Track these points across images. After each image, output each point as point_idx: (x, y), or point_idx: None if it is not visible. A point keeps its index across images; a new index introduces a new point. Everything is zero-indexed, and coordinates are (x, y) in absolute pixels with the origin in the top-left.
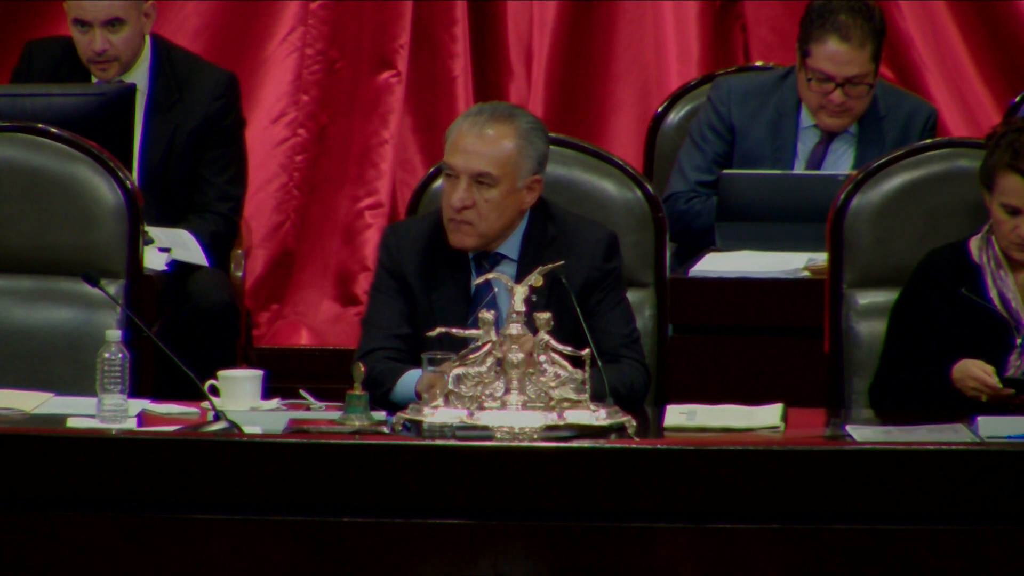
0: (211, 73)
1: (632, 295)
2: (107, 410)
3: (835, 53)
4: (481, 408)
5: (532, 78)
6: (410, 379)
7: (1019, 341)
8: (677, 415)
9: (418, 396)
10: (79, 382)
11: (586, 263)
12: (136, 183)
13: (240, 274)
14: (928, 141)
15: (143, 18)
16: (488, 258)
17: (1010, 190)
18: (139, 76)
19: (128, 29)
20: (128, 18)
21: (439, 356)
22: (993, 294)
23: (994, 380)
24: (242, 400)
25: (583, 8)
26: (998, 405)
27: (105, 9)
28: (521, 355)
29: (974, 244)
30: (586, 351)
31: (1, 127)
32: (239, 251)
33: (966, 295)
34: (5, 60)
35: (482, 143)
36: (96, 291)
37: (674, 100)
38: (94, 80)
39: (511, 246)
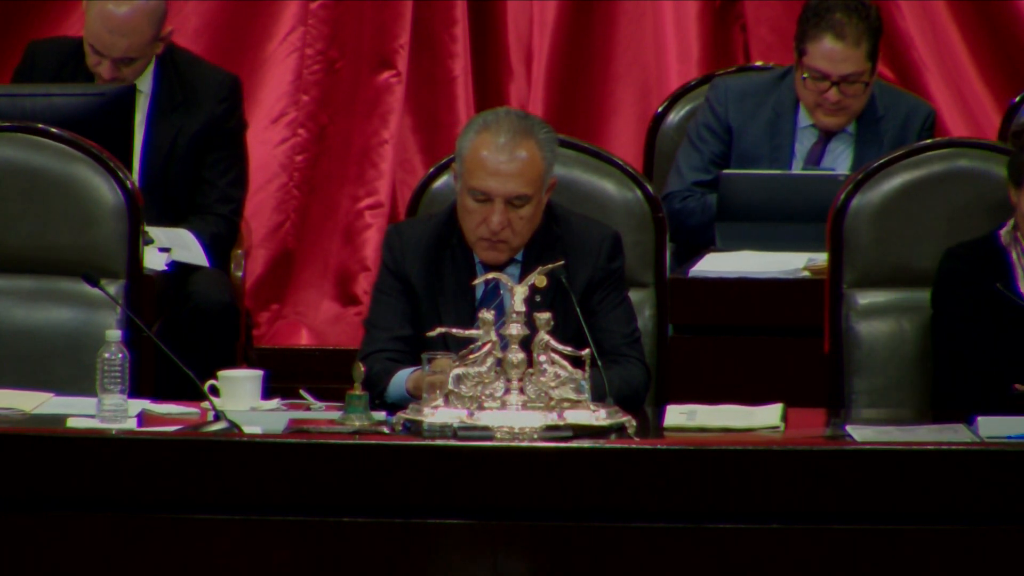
0: (215, 76)
1: (632, 295)
2: (107, 410)
3: (830, 51)
4: (481, 408)
5: (532, 78)
6: (400, 378)
7: None
8: (677, 415)
9: (408, 394)
10: (79, 382)
11: (590, 262)
12: (137, 184)
13: (240, 274)
14: (928, 141)
15: (158, 44)
16: None
17: None
18: (145, 78)
19: (141, 62)
20: (142, 55)
21: (439, 356)
22: (1022, 283)
23: None
24: (242, 400)
25: (583, 8)
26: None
27: (122, 51)
28: (521, 355)
29: (1003, 238)
30: (586, 351)
31: (1, 127)
32: (239, 251)
33: (1001, 291)
34: (7, 60)
35: (515, 165)
36: (96, 291)
37: (674, 100)
38: (96, 82)
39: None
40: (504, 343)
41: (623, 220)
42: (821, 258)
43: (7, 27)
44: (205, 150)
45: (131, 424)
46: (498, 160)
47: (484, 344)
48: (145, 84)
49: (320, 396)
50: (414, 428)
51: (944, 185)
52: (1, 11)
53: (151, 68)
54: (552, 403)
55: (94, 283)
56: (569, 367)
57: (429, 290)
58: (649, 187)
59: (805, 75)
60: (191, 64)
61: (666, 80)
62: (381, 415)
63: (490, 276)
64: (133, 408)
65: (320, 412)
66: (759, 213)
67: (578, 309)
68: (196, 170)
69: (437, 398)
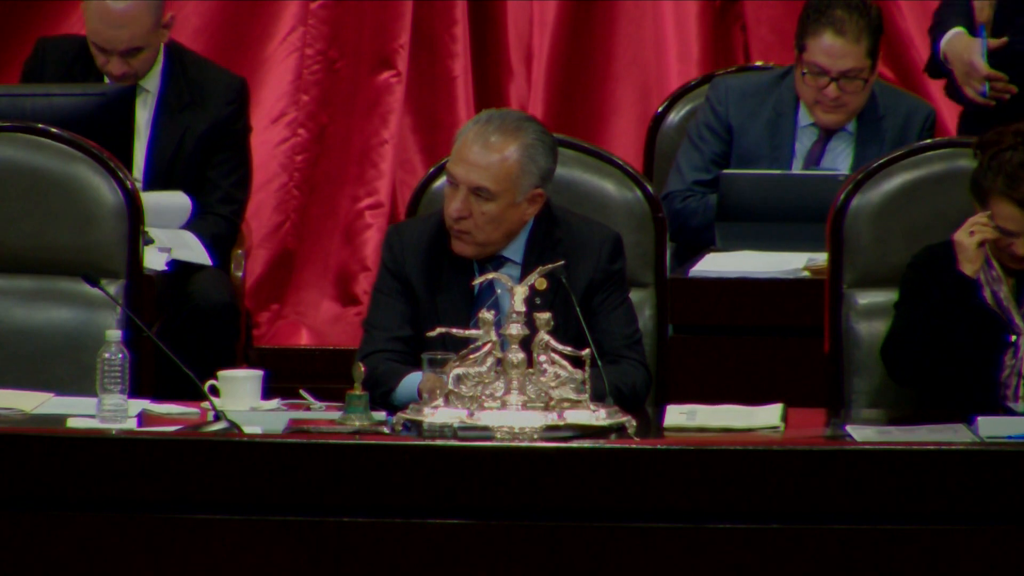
0: (223, 78)
1: (632, 295)
2: (107, 410)
3: (830, 47)
4: (481, 408)
5: (532, 78)
6: (412, 382)
7: (1013, 339)
8: (677, 415)
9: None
10: (79, 382)
11: (591, 264)
12: (140, 183)
13: (240, 274)
14: (928, 141)
15: (161, 32)
16: (492, 261)
17: (1006, 216)
18: (152, 78)
19: (147, 52)
20: (147, 44)
21: (439, 356)
22: (987, 294)
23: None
24: (242, 400)
25: (583, 8)
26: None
27: (125, 42)
28: (521, 355)
29: None
30: (586, 351)
31: (1, 127)
32: (239, 251)
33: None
34: (17, 57)
35: (483, 156)
36: (96, 291)
37: (674, 100)
38: (107, 80)
39: (515, 249)
40: (504, 343)
41: (623, 220)
42: (821, 258)
43: (13, 24)
44: (211, 151)
45: (131, 424)
46: (471, 149)
47: (484, 344)
48: (151, 83)
49: (320, 396)
50: (414, 428)
51: (944, 185)
52: (7, 8)
53: (159, 67)
54: (552, 403)
55: (94, 283)
56: (569, 367)
57: (429, 290)
58: (649, 187)
59: (804, 71)
60: (199, 65)
61: (666, 80)
62: (381, 415)
63: (490, 276)
64: (133, 408)
65: (320, 412)
66: (759, 213)
67: (578, 310)
68: (201, 170)
69: (437, 397)
